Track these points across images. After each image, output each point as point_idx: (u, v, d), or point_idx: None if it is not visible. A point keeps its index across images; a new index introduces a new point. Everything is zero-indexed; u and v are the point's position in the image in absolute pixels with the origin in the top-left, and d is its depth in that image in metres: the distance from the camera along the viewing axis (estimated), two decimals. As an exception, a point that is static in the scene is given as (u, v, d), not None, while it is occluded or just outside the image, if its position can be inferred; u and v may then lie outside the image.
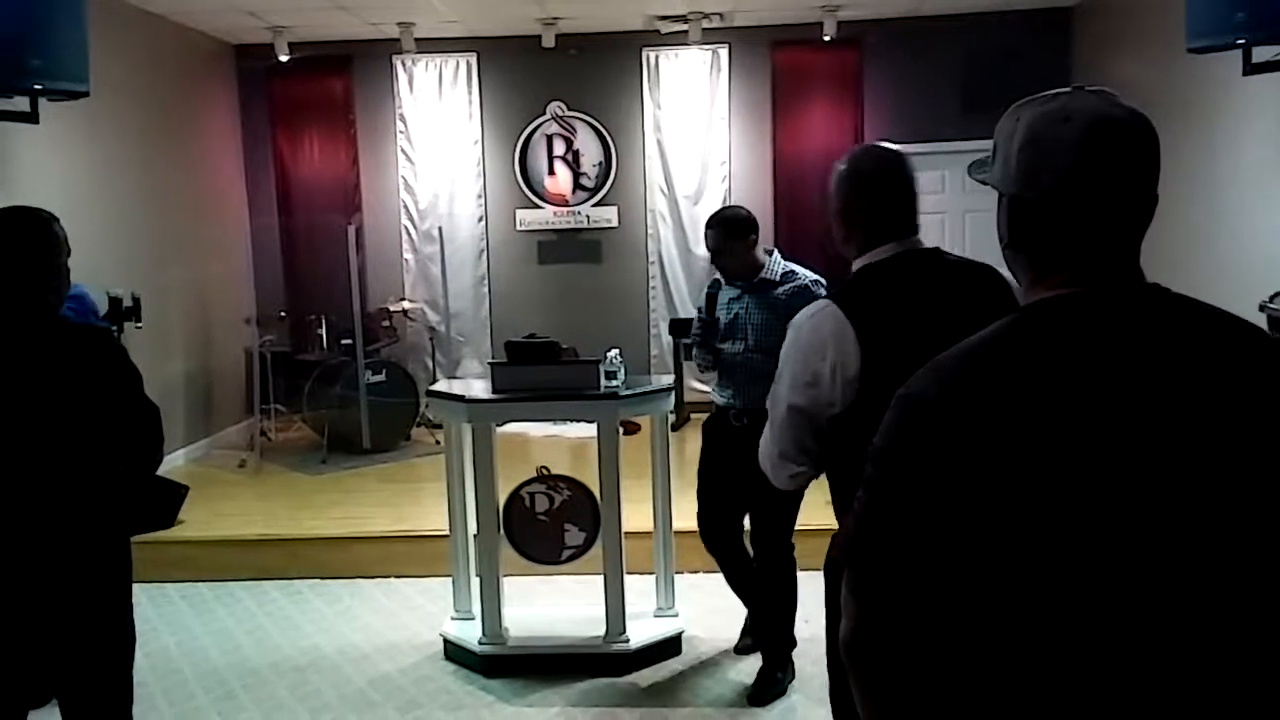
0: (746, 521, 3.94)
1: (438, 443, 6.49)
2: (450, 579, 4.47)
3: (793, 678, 3.94)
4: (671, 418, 4.50)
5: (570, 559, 4.22)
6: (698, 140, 8.33)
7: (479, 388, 4.37)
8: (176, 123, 7.36)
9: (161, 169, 7.07)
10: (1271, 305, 4.19)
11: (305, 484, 6.55)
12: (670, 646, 4.24)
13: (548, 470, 4.24)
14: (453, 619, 4.41)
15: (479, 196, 8.46)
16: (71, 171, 5.96)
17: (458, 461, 4.34)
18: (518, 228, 8.48)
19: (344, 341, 7.21)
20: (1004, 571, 1.14)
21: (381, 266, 8.46)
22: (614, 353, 4.21)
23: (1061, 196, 1.22)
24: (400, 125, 8.43)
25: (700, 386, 8.18)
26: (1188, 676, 1.12)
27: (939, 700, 1.21)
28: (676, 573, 4.45)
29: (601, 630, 4.12)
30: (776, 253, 3.90)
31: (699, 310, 3.94)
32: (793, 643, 3.96)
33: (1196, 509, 1.12)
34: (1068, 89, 1.27)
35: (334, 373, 7.08)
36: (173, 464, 6.68)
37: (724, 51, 8.25)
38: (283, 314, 7.79)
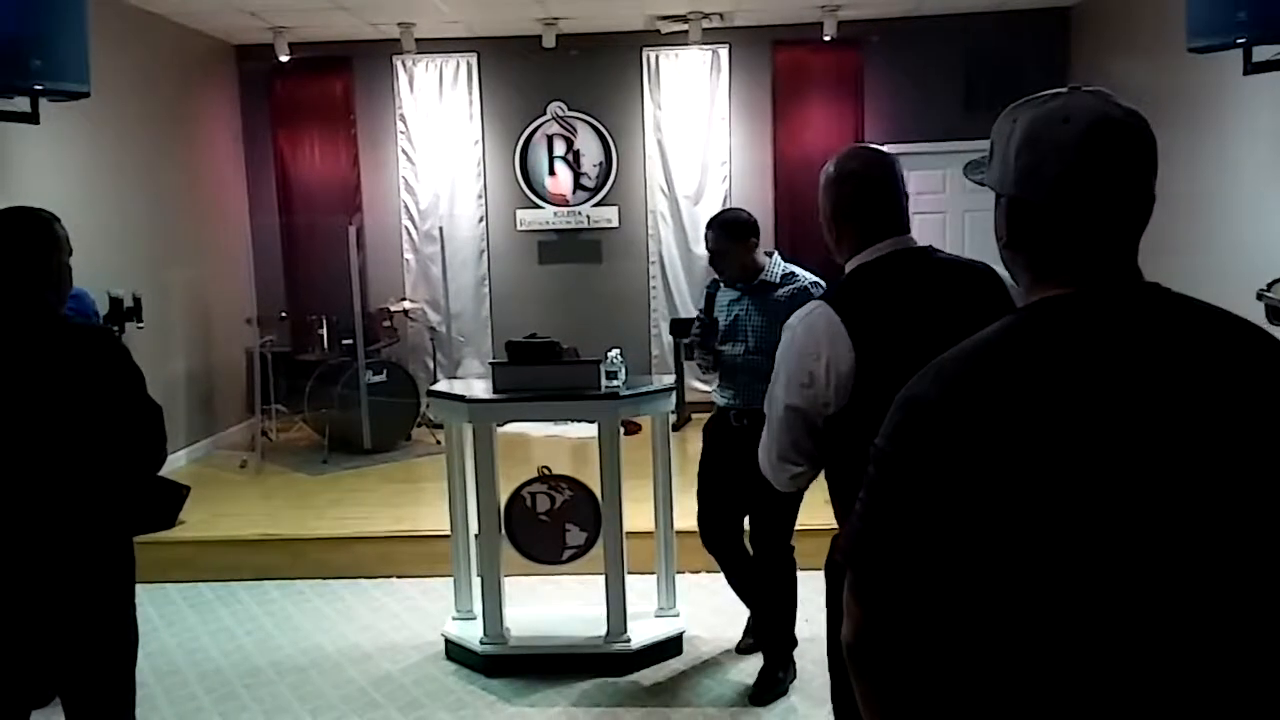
0: (746, 522, 3.94)
1: (439, 443, 6.49)
2: (451, 579, 4.47)
3: (794, 678, 3.94)
4: (672, 418, 4.50)
5: (571, 559, 4.22)
6: (698, 140, 8.34)
7: (480, 388, 4.37)
8: (177, 123, 7.36)
9: (162, 169, 7.07)
10: (1269, 294, 4.17)
11: (306, 484, 6.55)
12: (671, 646, 4.24)
13: (549, 470, 4.24)
14: (454, 619, 4.42)
15: (479, 197, 8.46)
16: (72, 172, 5.96)
17: (459, 461, 4.34)
18: (518, 228, 8.48)
19: (345, 341, 7.22)
20: (1005, 571, 1.15)
21: (382, 266, 8.46)
22: (615, 353, 4.21)
23: (1061, 197, 1.22)
24: (401, 125, 8.43)
25: (701, 386, 8.18)
26: (1187, 674, 1.13)
27: (941, 701, 1.21)
28: (678, 572, 4.45)
29: (603, 630, 4.12)
30: (777, 254, 3.91)
31: (699, 311, 3.95)
32: (793, 642, 3.96)
33: (1197, 508, 1.12)
34: (1065, 89, 1.27)
35: (335, 373, 7.08)
36: (174, 464, 6.68)
37: (724, 51, 8.25)
38: (283, 314, 7.79)
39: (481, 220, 8.48)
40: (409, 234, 8.51)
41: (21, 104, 3.74)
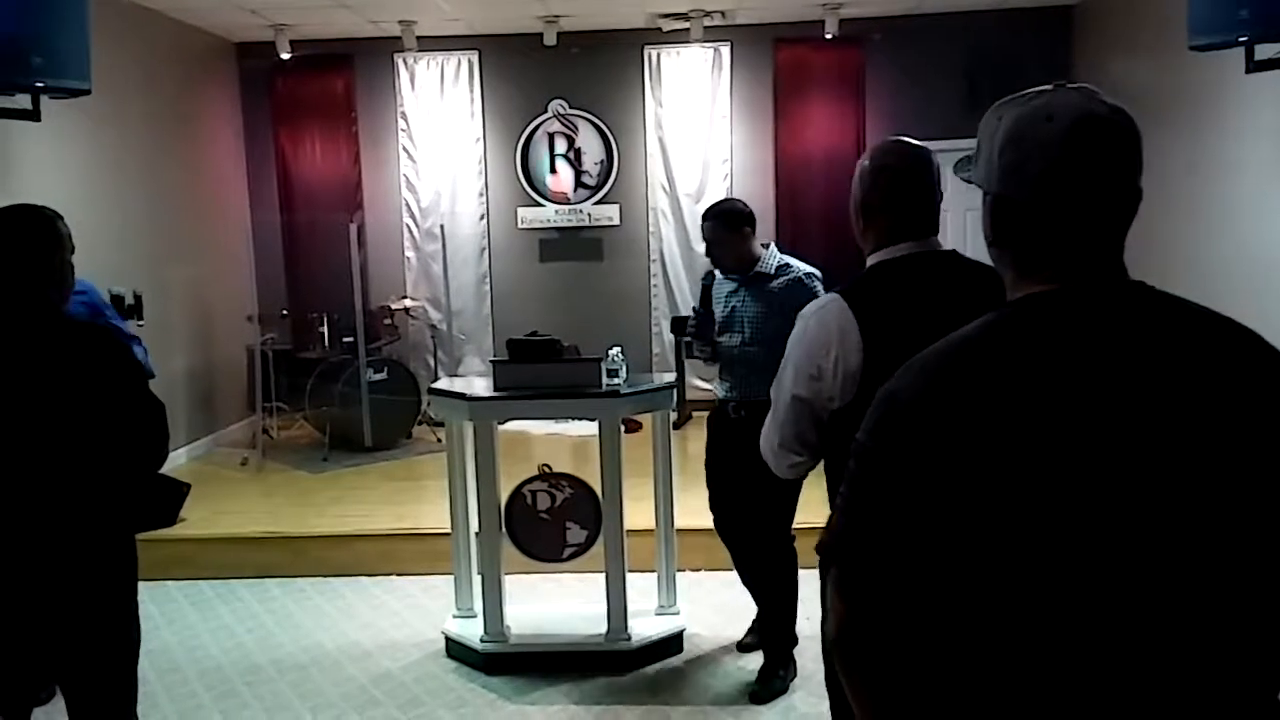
0: None
1: (439, 440, 6.49)
2: (452, 577, 4.47)
3: (794, 675, 3.94)
4: (673, 416, 4.50)
5: (572, 557, 4.22)
6: (699, 138, 8.33)
7: (481, 385, 4.37)
8: (178, 121, 7.36)
9: (163, 167, 7.07)
10: None
11: (307, 482, 6.55)
12: (672, 644, 4.24)
13: (549, 468, 4.24)
14: (454, 617, 4.42)
15: (481, 194, 8.46)
16: (73, 169, 5.96)
17: (459, 459, 4.34)
18: (519, 226, 8.48)
19: (346, 339, 7.22)
20: (984, 566, 1.15)
21: (383, 264, 8.46)
22: (615, 350, 4.21)
23: (1044, 195, 1.22)
24: (402, 123, 8.43)
25: (702, 385, 8.18)
26: (1163, 667, 1.13)
27: (927, 693, 1.22)
28: (678, 570, 4.45)
29: (603, 628, 4.12)
30: (773, 246, 3.92)
31: (694, 305, 3.97)
32: (794, 640, 3.96)
33: (1174, 506, 1.13)
34: (1050, 86, 1.26)
35: (336, 370, 7.08)
36: (174, 462, 6.68)
37: (726, 49, 8.24)
38: (284, 312, 7.79)
39: (483, 218, 8.48)
40: (410, 232, 8.51)
41: (22, 101, 3.73)
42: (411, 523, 5.51)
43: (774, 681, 3.89)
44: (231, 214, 8.15)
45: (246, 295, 7.49)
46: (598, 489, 4.12)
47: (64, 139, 5.77)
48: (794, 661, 3.96)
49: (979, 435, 1.15)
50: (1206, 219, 5.92)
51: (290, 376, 7.50)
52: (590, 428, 4.42)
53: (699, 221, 4.12)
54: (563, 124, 8.42)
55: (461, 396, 4.20)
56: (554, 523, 4.19)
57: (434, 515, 5.11)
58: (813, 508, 3.47)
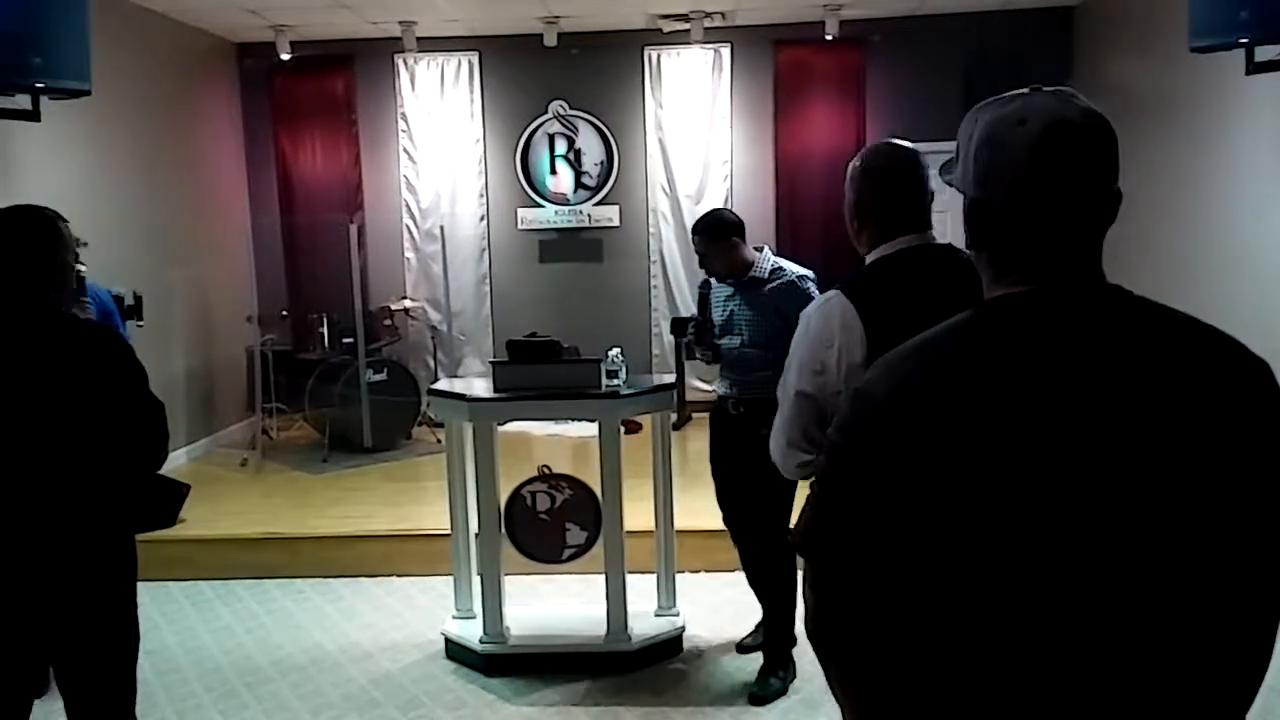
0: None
1: (439, 441, 6.49)
2: (451, 578, 4.46)
3: (794, 677, 3.94)
4: (673, 417, 4.50)
5: (571, 558, 4.22)
6: (700, 139, 8.33)
7: (480, 386, 4.37)
8: (178, 121, 7.36)
9: (163, 167, 7.07)
10: None
11: (307, 482, 6.55)
12: (671, 645, 4.24)
13: (549, 469, 4.24)
14: (454, 618, 4.42)
15: (481, 195, 8.46)
16: (73, 170, 5.96)
17: (459, 460, 4.34)
18: (519, 226, 8.48)
19: (345, 340, 7.21)
20: (952, 562, 1.17)
21: (383, 265, 8.46)
22: (615, 352, 4.21)
23: (1017, 199, 1.23)
24: (402, 124, 8.43)
25: (702, 385, 8.18)
26: (1126, 665, 1.15)
27: (901, 681, 1.24)
28: (678, 572, 4.45)
29: (603, 629, 4.12)
30: (767, 250, 4.01)
31: (692, 313, 4.03)
32: (793, 641, 3.96)
33: (1137, 506, 1.14)
34: (1026, 90, 1.27)
35: (335, 371, 7.08)
36: (174, 463, 6.68)
37: (726, 50, 8.24)
38: (284, 312, 7.79)
39: (482, 219, 8.48)
40: (410, 232, 8.51)
41: (22, 102, 3.73)
42: (411, 524, 5.50)
43: (771, 681, 3.90)
44: (231, 214, 8.15)
45: (246, 296, 7.49)
46: (597, 490, 4.12)
47: (64, 139, 5.77)
48: (793, 663, 3.96)
49: (948, 434, 1.16)
50: (1205, 220, 5.92)
51: (290, 377, 7.50)
52: (590, 429, 4.42)
53: (691, 241, 4.17)
54: (563, 125, 8.42)
55: (461, 397, 4.20)
56: (554, 524, 4.19)
57: (434, 516, 5.11)
58: (813, 509, 3.47)
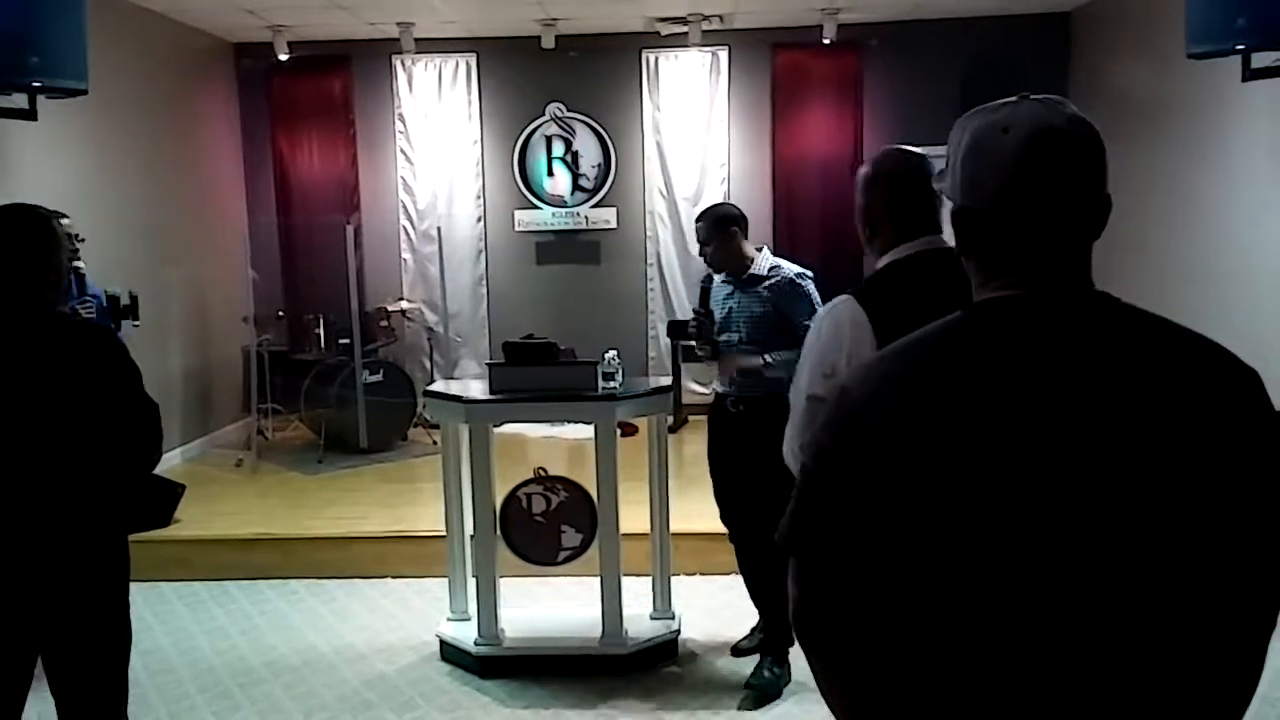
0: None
1: (435, 443, 6.48)
2: (447, 579, 4.46)
3: (787, 680, 3.94)
4: (669, 419, 4.50)
5: (567, 560, 4.21)
6: (697, 142, 8.33)
7: (476, 388, 4.37)
8: (175, 121, 7.35)
9: (160, 167, 7.06)
10: None
11: (302, 483, 6.54)
12: (666, 649, 4.24)
13: (545, 471, 4.23)
14: (449, 619, 4.41)
15: (478, 197, 8.46)
16: (69, 169, 5.95)
17: (455, 462, 4.33)
18: (516, 228, 8.48)
19: (342, 341, 7.20)
20: (932, 561, 1.18)
21: (380, 266, 8.45)
22: (612, 354, 4.21)
23: (1003, 207, 1.24)
24: (399, 125, 8.42)
25: (698, 388, 8.17)
26: (1108, 659, 1.16)
27: (884, 673, 1.25)
28: (673, 575, 4.44)
29: (598, 632, 4.12)
30: (765, 249, 4.06)
31: (694, 308, 4.04)
32: (790, 639, 3.96)
33: (1116, 508, 1.14)
34: (1014, 98, 1.27)
35: (331, 372, 7.07)
36: (169, 463, 6.67)
37: (724, 54, 8.25)
38: (280, 313, 7.78)
39: (479, 220, 8.47)
40: (407, 234, 8.50)
41: (19, 101, 3.73)
42: (406, 525, 5.50)
43: (764, 673, 3.92)
44: (228, 215, 8.14)
45: (243, 296, 7.48)
46: (593, 492, 4.12)
47: (60, 139, 5.76)
48: (789, 663, 3.96)
49: (929, 435, 1.17)
50: (1200, 226, 5.93)
51: (286, 378, 7.49)
52: (586, 431, 4.42)
53: (694, 229, 4.22)
54: (560, 127, 8.42)
55: (457, 399, 4.19)
56: (549, 526, 4.19)
57: (429, 518, 5.10)
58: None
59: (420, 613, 4.79)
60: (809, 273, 3.95)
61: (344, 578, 5.23)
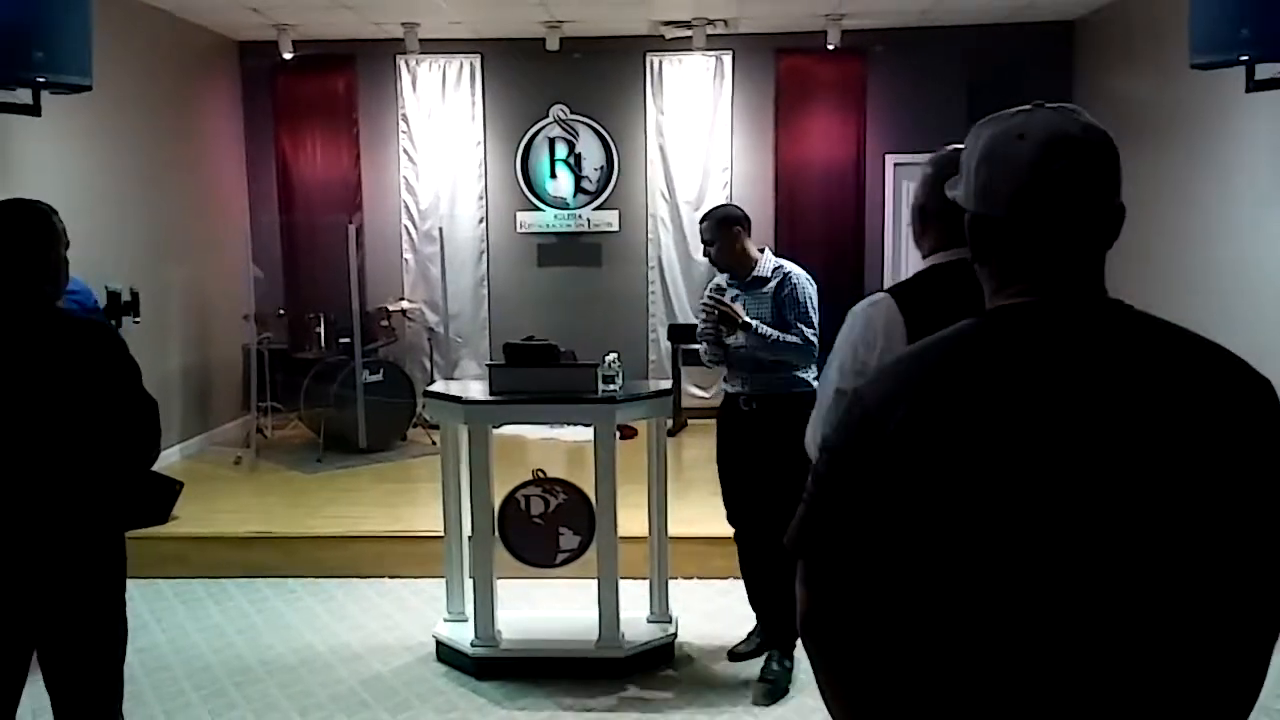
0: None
1: (434, 443, 6.48)
2: (444, 580, 4.46)
3: (790, 676, 3.95)
4: (668, 423, 4.50)
5: (565, 562, 4.21)
6: (700, 146, 8.34)
7: (476, 389, 4.37)
8: (179, 118, 7.36)
9: (163, 164, 7.06)
10: None
11: (301, 482, 6.54)
12: (663, 652, 4.23)
13: (544, 473, 4.23)
14: (446, 620, 4.41)
15: (480, 198, 8.46)
16: (72, 165, 5.95)
17: (454, 462, 4.33)
18: (518, 230, 8.48)
19: (342, 340, 7.21)
20: (941, 568, 1.18)
21: (381, 266, 8.45)
22: (612, 357, 4.21)
23: (1017, 214, 1.24)
24: (403, 125, 8.43)
25: (698, 392, 8.18)
26: (1115, 667, 1.16)
27: (888, 679, 1.24)
28: (671, 578, 4.44)
29: (595, 635, 4.11)
30: (768, 250, 4.13)
31: (704, 310, 4.05)
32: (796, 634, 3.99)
33: (1127, 513, 1.14)
34: (1029, 106, 1.27)
35: (331, 371, 7.07)
36: (168, 460, 6.67)
37: (728, 58, 8.25)
38: (281, 311, 7.79)
39: (481, 221, 8.48)
40: (409, 234, 8.51)
41: (23, 96, 3.73)
42: (404, 525, 5.49)
43: (772, 666, 3.98)
44: (230, 213, 8.15)
45: (244, 294, 7.48)
46: (592, 495, 4.11)
47: (64, 135, 5.76)
48: (795, 658, 3.98)
49: (940, 440, 1.17)
50: (1203, 236, 5.93)
51: (286, 376, 7.49)
52: (585, 433, 4.41)
53: (698, 229, 4.26)
54: (563, 129, 8.42)
55: (457, 400, 4.19)
56: (547, 528, 4.18)
57: (427, 518, 5.09)
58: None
59: (417, 613, 4.78)
60: (810, 278, 4.01)
61: (342, 577, 5.22)
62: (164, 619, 4.78)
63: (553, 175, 8.44)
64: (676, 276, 8.43)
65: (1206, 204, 5.89)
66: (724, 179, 8.35)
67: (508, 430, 6.45)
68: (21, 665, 2.50)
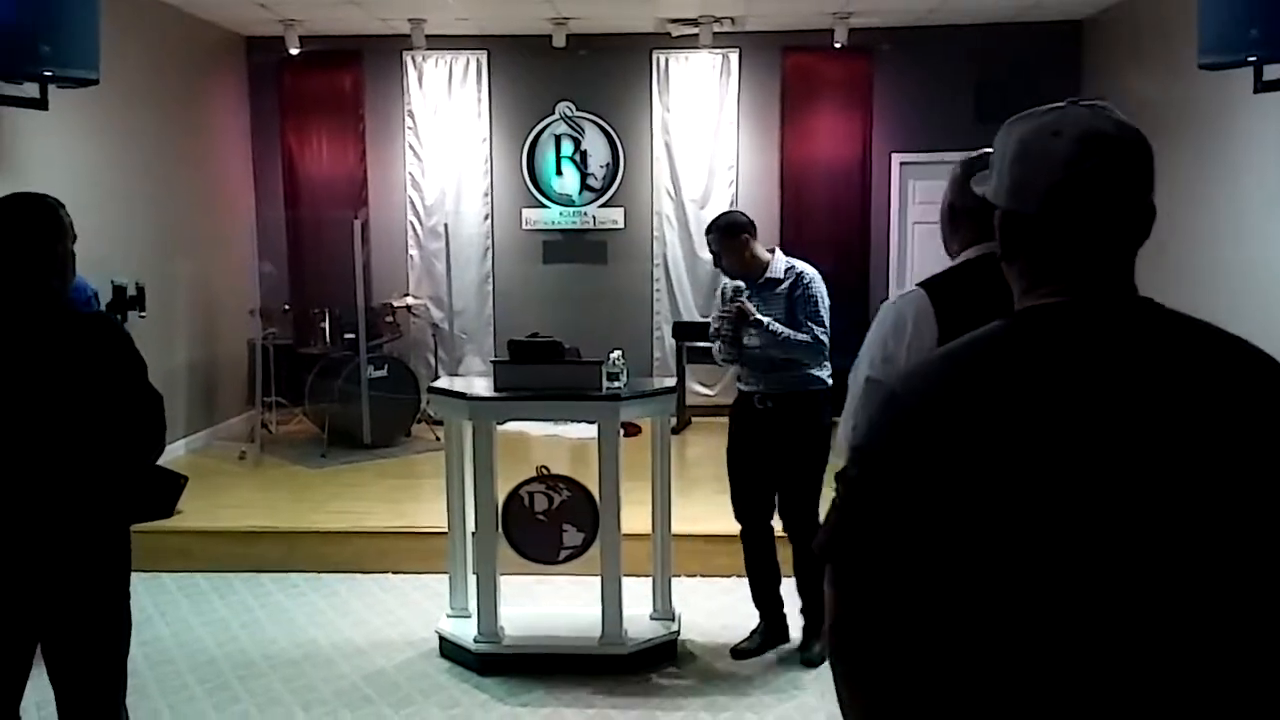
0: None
1: (438, 439, 6.49)
2: (447, 576, 4.46)
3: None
4: (672, 421, 4.50)
5: (568, 559, 4.21)
6: (705, 144, 8.33)
7: (481, 385, 4.37)
8: (185, 113, 7.37)
9: (169, 159, 7.08)
10: None
11: (305, 477, 6.55)
12: (666, 649, 4.23)
13: (547, 470, 4.23)
14: (449, 616, 4.41)
15: (486, 194, 8.46)
16: (79, 159, 5.96)
17: (458, 459, 4.33)
18: (523, 227, 8.48)
19: (347, 336, 7.22)
20: (974, 571, 1.16)
21: (386, 262, 8.46)
22: (616, 354, 4.21)
23: (1050, 211, 1.23)
24: (409, 121, 8.43)
25: (703, 390, 8.18)
26: (1151, 680, 1.14)
27: (915, 689, 1.23)
28: (674, 576, 4.44)
29: (597, 631, 4.11)
30: (779, 251, 4.16)
31: (720, 310, 4.07)
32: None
33: (1165, 519, 1.13)
34: (1062, 103, 1.27)
35: (336, 367, 7.08)
36: (173, 454, 6.68)
37: (734, 56, 8.25)
38: (287, 307, 7.79)
39: (487, 218, 8.48)
40: (414, 230, 8.51)
41: (31, 90, 3.74)
42: (408, 521, 5.50)
43: (814, 646, 4.10)
44: (236, 208, 8.16)
45: (249, 289, 7.49)
46: (595, 492, 4.12)
47: (71, 128, 5.77)
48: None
49: (976, 443, 1.16)
50: (1211, 236, 5.92)
51: (291, 371, 7.50)
52: (589, 430, 4.42)
53: (704, 227, 4.29)
54: (569, 126, 8.42)
55: (461, 396, 4.20)
56: (550, 525, 4.19)
57: (431, 514, 5.10)
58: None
59: (420, 609, 4.79)
60: (819, 276, 4.06)
61: (345, 572, 5.23)
62: (168, 613, 4.79)
63: (558, 172, 8.44)
64: (681, 274, 8.42)
65: (1215, 204, 5.88)
66: (729, 177, 8.35)
67: (512, 427, 6.45)
68: (25, 658, 2.51)
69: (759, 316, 3.90)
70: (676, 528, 4.40)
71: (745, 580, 4.31)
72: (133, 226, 6.43)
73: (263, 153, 8.50)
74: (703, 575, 4.99)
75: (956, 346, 1.26)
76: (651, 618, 4.35)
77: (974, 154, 2.28)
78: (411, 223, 8.51)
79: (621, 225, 8.45)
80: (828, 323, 3.99)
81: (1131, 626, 1.13)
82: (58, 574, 2.45)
